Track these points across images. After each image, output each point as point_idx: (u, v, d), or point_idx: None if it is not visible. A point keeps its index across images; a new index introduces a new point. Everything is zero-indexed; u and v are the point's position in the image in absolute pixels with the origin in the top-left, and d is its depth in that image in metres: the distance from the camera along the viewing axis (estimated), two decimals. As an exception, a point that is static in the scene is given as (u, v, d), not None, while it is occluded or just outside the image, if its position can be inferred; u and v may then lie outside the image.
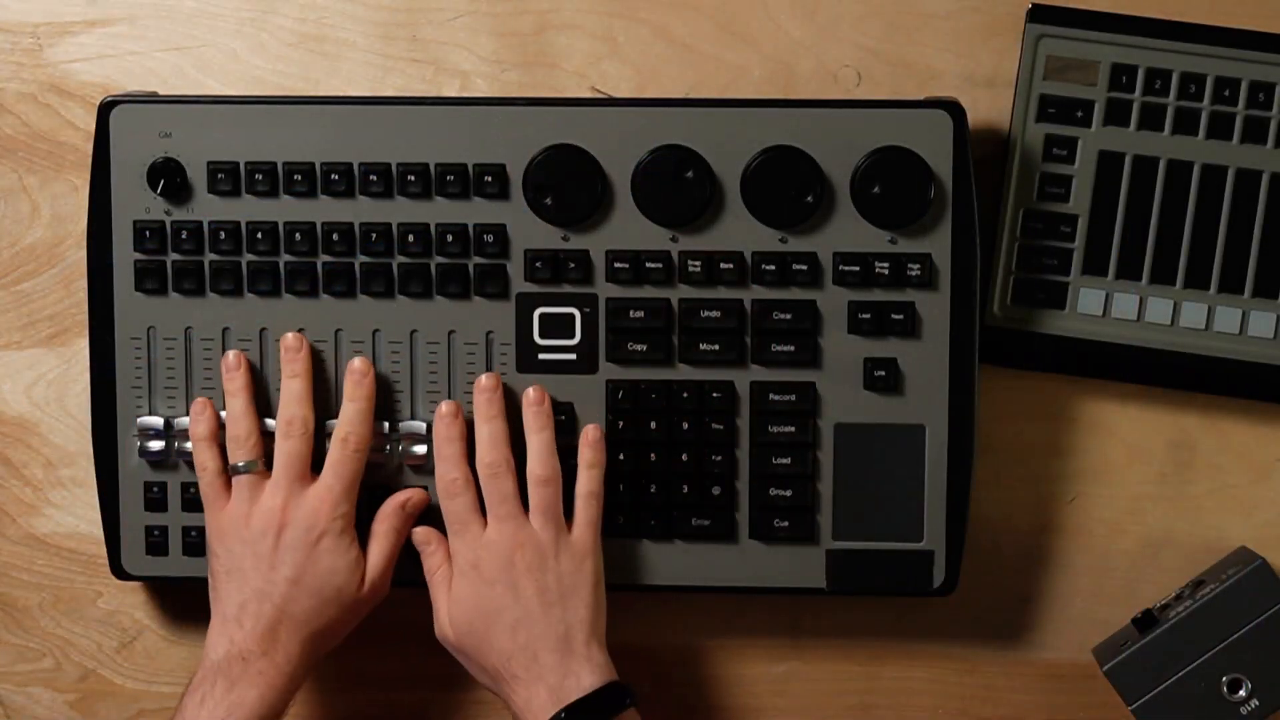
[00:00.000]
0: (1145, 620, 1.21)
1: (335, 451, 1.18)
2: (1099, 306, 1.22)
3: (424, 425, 1.20)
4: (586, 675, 1.14)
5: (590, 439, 1.18)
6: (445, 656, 1.23)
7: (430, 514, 1.21)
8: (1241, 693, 1.18)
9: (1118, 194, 1.21)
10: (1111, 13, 1.21)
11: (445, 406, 1.18)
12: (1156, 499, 1.26)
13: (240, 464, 1.18)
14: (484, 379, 1.18)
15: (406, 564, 1.21)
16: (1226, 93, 1.20)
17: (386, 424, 1.21)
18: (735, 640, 1.27)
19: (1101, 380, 1.24)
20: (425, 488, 1.21)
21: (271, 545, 1.16)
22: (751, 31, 1.24)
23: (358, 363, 1.19)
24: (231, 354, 1.19)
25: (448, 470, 1.18)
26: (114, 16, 1.26)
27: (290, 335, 1.19)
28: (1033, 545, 1.26)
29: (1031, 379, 1.25)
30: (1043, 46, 1.21)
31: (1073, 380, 1.25)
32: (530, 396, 1.18)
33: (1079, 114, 1.21)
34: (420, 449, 1.21)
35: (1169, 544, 1.26)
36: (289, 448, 1.17)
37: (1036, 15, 1.21)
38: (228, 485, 1.19)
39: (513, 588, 1.15)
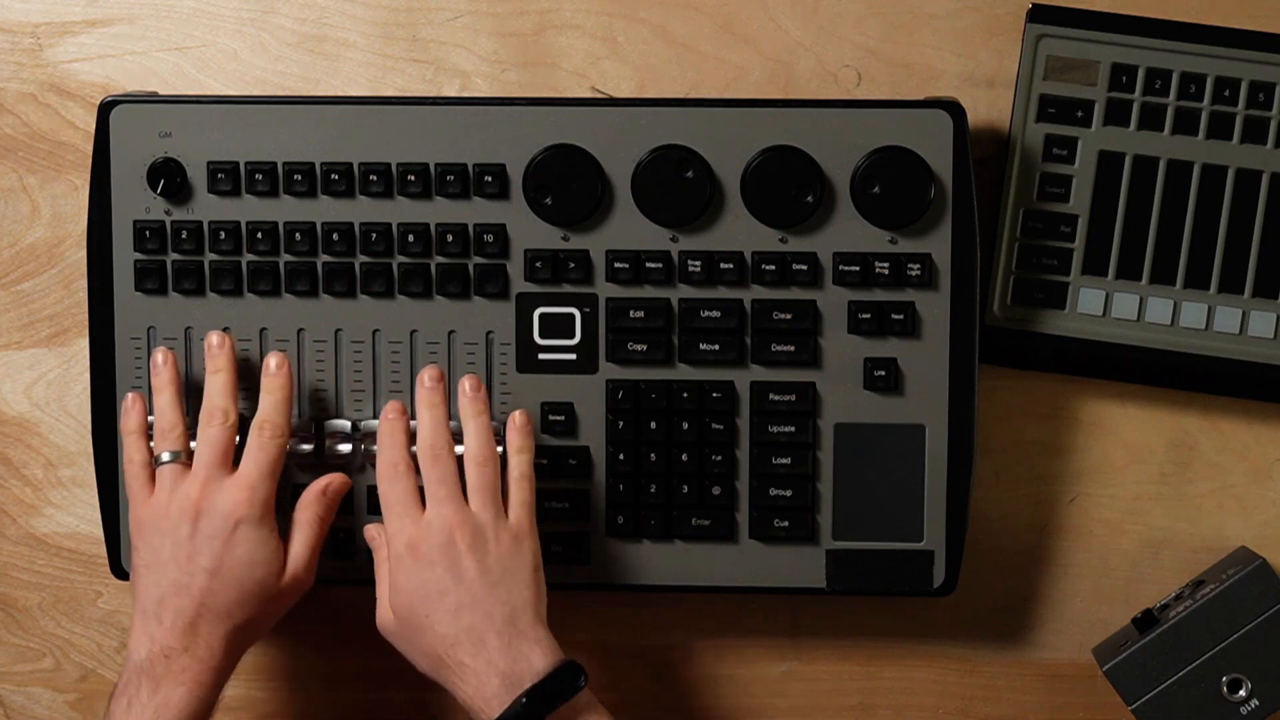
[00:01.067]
0: (1145, 620, 1.21)
1: (252, 439, 1.17)
2: (1099, 306, 1.22)
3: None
4: (538, 657, 1.12)
5: (518, 424, 1.18)
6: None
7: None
8: (1241, 693, 1.18)
9: (1118, 194, 1.21)
10: (1111, 13, 1.21)
11: (391, 404, 1.18)
12: (1156, 499, 1.26)
13: (164, 455, 1.17)
14: (426, 374, 1.18)
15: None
16: (1226, 93, 1.20)
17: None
18: (735, 640, 1.27)
19: (1101, 380, 1.24)
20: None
21: (189, 534, 1.15)
22: (751, 31, 1.24)
23: (273, 358, 1.19)
24: (159, 352, 1.19)
25: (388, 455, 1.17)
26: (114, 16, 1.26)
27: (214, 334, 1.19)
28: (1033, 545, 1.26)
29: (1031, 379, 1.25)
30: (1043, 46, 1.21)
31: (1073, 380, 1.25)
32: (465, 386, 1.18)
33: (1079, 114, 1.21)
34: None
35: (1169, 544, 1.26)
36: (209, 436, 1.17)
37: (1036, 15, 1.21)
38: (152, 479, 1.18)
39: (453, 568, 1.13)
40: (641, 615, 1.27)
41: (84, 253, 1.22)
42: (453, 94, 1.25)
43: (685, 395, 1.20)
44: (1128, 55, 1.20)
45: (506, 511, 1.16)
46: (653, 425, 1.21)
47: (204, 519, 1.15)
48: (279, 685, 1.28)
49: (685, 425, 1.21)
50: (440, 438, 1.17)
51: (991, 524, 1.26)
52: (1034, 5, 1.21)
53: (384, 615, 1.16)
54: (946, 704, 1.28)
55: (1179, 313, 1.22)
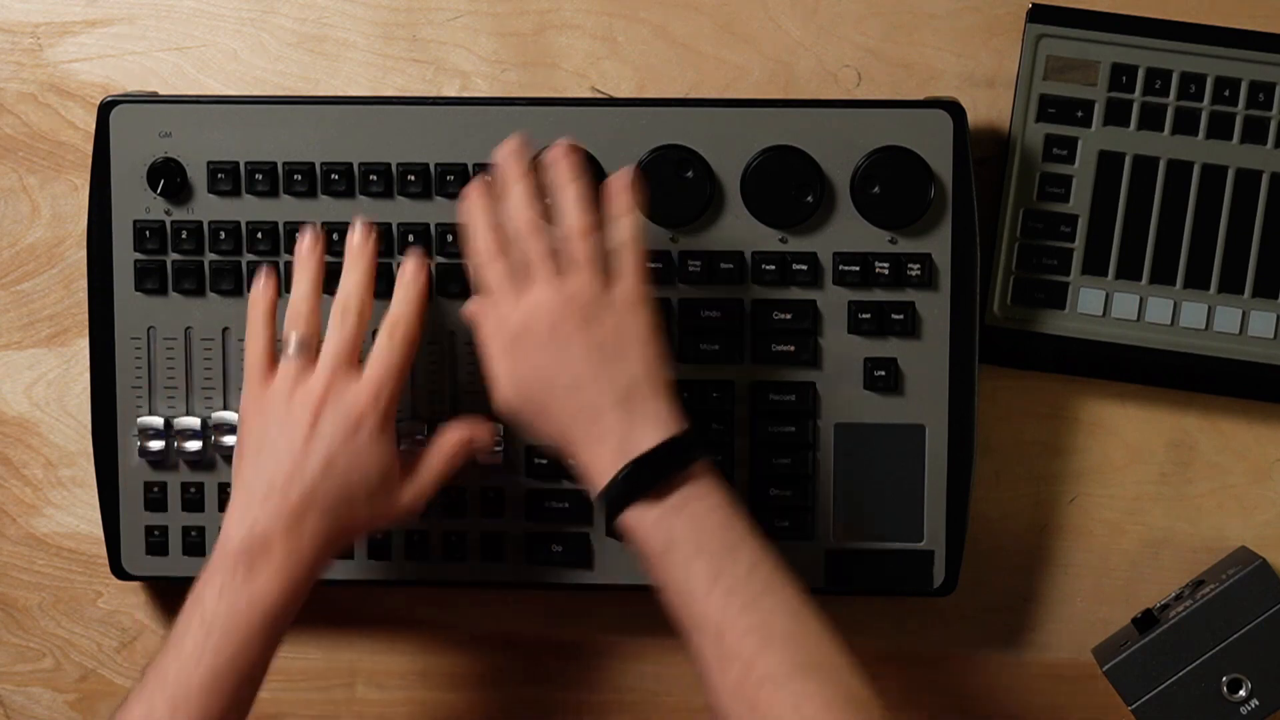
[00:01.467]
0: (1145, 620, 1.21)
1: (382, 339, 1.13)
2: (1099, 306, 1.22)
3: (423, 425, 1.20)
4: (652, 428, 1.08)
5: (618, 186, 1.12)
6: (442, 655, 1.24)
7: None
8: (1241, 693, 1.18)
9: (1118, 194, 1.21)
10: (1111, 13, 1.21)
11: (473, 184, 1.13)
12: (1156, 499, 1.26)
13: (292, 338, 1.13)
14: (506, 146, 1.12)
15: (409, 566, 1.21)
16: (1226, 93, 1.20)
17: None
18: (735, 640, 1.27)
19: (1101, 380, 1.24)
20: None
21: (309, 425, 1.11)
22: (751, 31, 1.24)
23: (410, 260, 1.14)
24: (308, 234, 1.15)
25: (482, 237, 1.12)
26: (114, 16, 1.26)
27: (358, 229, 1.15)
28: (1033, 545, 1.26)
29: (1031, 379, 1.25)
30: (1043, 46, 1.21)
31: (1073, 380, 1.25)
32: (557, 149, 1.13)
33: (1079, 114, 1.21)
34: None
35: (1169, 544, 1.26)
36: (343, 330, 1.13)
37: (1036, 15, 1.21)
38: (273, 364, 1.14)
39: (564, 349, 1.09)
40: (642, 615, 1.27)
41: (84, 253, 1.22)
42: (453, 94, 1.25)
43: (685, 395, 1.20)
44: (1128, 55, 1.20)
45: (615, 279, 1.11)
46: (653, 425, 1.20)
47: (327, 413, 1.11)
48: (279, 685, 1.28)
49: (685, 425, 1.21)
50: (533, 210, 1.11)
51: (991, 524, 1.26)
52: (1034, 5, 1.21)
53: (504, 398, 1.11)
54: (946, 704, 1.27)
55: (1179, 313, 1.22)
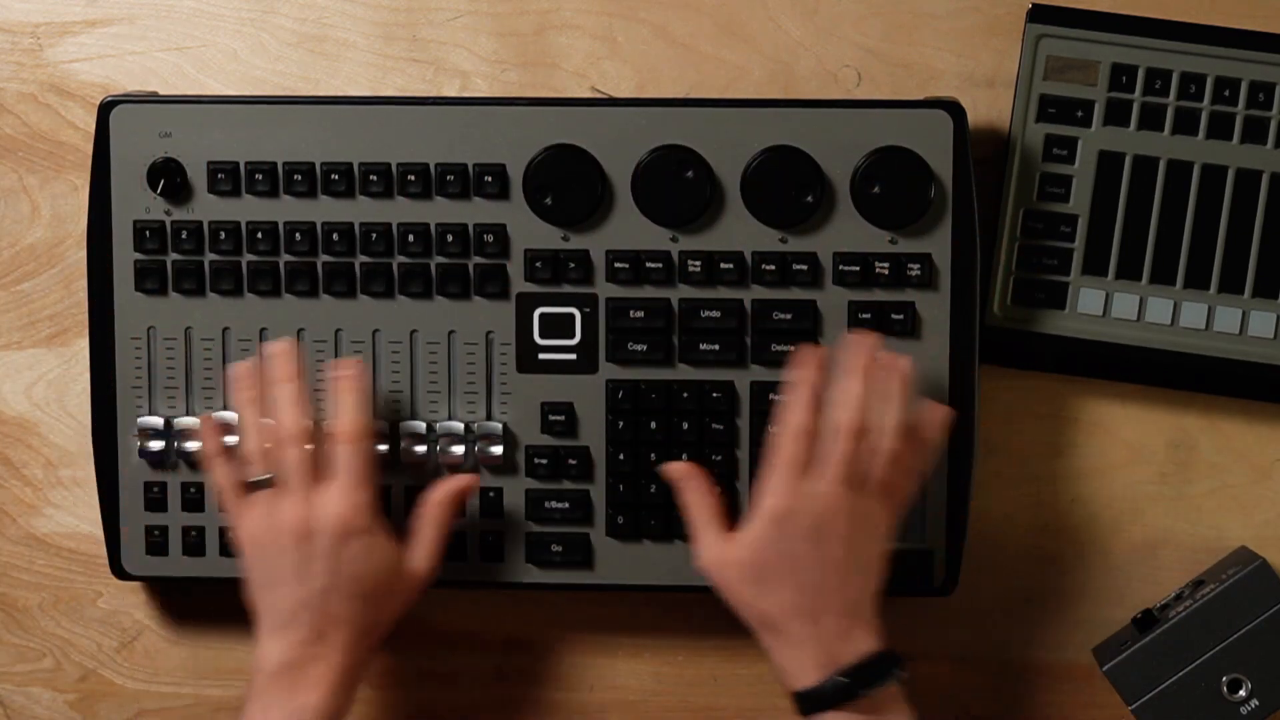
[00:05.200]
0: (1145, 620, 1.21)
1: (340, 450, 1.17)
2: (1099, 306, 1.22)
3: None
4: (863, 641, 1.12)
5: (935, 418, 1.16)
6: (441, 655, 1.24)
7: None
8: (1241, 693, 1.18)
9: (1118, 194, 1.21)
10: (1111, 13, 1.21)
11: (805, 354, 1.14)
12: (1156, 499, 1.26)
13: (257, 479, 1.17)
14: (855, 340, 1.15)
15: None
16: (1226, 93, 1.20)
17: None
18: (735, 640, 1.27)
19: (1101, 380, 1.24)
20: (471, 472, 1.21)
21: (302, 553, 1.15)
22: (751, 31, 1.24)
23: (344, 362, 1.18)
24: (238, 367, 1.18)
25: (801, 417, 1.13)
26: (114, 16, 1.26)
27: (278, 342, 1.18)
28: (1033, 545, 1.26)
29: (1031, 379, 1.25)
30: (1043, 46, 1.21)
31: (1073, 380, 1.25)
32: (857, 338, 1.15)
33: (1079, 114, 1.21)
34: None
35: (1169, 544, 1.26)
36: (293, 458, 1.16)
37: (1036, 15, 1.21)
38: (247, 497, 1.17)
39: (819, 548, 1.12)
40: (641, 615, 1.27)
41: (84, 253, 1.22)
42: (453, 94, 1.25)
43: (685, 395, 1.20)
44: (1128, 55, 1.20)
45: (875, 491, 1.13)
46: (653, 425, 1.21)
47: (314, 537, 1.15)
48: (279, 685, 1.28)
49: (685, 425, 1.20)
50: (859, 415, 1.13)
51: (991, 524, 1.26)
52: (1034, 5, 1.21)
53: (721, 562, 1.14)
54: (946, 704, 1.27)
55: (1179, 313, 1.22)
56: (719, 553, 1.15)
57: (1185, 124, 1.21)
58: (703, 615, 1.27)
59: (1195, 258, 1.21)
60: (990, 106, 1.23)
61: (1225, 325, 1.22)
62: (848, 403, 1.13)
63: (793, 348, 1.19)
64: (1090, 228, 1.22)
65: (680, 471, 1.18)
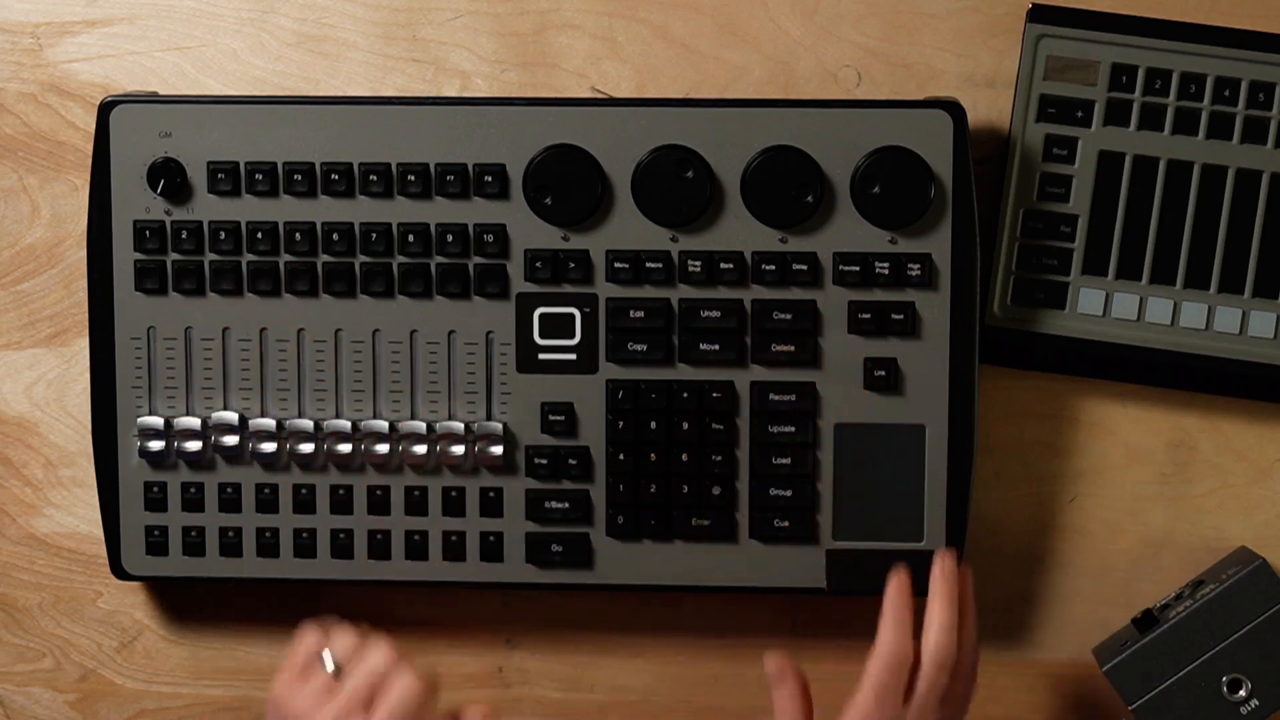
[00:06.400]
0: (1145, 620, 1.21)
1: (393, 693, 1.11)
2: (1099, 306, 1.22)
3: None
4: None
5: (951, 597, 1.16)
6: (441, 655, 1.23)
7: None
8: (1241, 693, 1.18)
9: (1118, 194, 1.21)
10: (1111, 13, 1.21)
11: (900, 580, 1.16)
12: (1156, 499, 1.26)
13: (329, 660, 1.13)
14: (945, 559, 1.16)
15: (409, 566, 1.21)
16: (1226, 93, 1.20)
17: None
18: (736, 640, 1.27)
19: (1101, 380, 1.24)
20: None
21: None
22: (751, 31, 1.24)
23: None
24: (325, 654, 1.14)
25: (900, 645, 1.14)
26: (114, 16, 1.26)
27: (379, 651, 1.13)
28: (1033, 545, 1.26)
29: (1031, 379, 1.25)
30: (1043, 46, 1.21)
31: (1073, 380, 1.25)
32: (949, 564, 1.16)
33: (1079, 114, 1.21)
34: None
35: (1169, 544, 1.26)
36: (364, 679, 1.11)
37: (1036, 15, 1.21)
38: (313, 665, 1.14)
39: None
40: (641, 615, 1.27)
41: (84, 253, 1.22)
42: (453, 94, 1.25)
43: (685, 395, 1.20)
44: (1128, 55, 1.20)
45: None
46: (653, 425, 1.21)
47: None
48: (279, 685, 1.28)
49: (685, 425, 1.21)
50: (951, 649, 1.14)
51: (991, 524, 1.26)
52: (1034, 5, 1.21)
53: None
54: (946, 704, 1.27)
55: (1179, 313, 1.22)
56: None
57: (1185, 124, 1.21)
58: (703, 615, 1.27)
59: (1195, 258, 1.21)
60: (990, 106, 1.23)
61: (1225, 325, 1.22)
62: (941, 635, 1.14)
63: (793, 348, 1.19)
64: (1090, 228, 1.22)
65: (776, 668, 1.16)
